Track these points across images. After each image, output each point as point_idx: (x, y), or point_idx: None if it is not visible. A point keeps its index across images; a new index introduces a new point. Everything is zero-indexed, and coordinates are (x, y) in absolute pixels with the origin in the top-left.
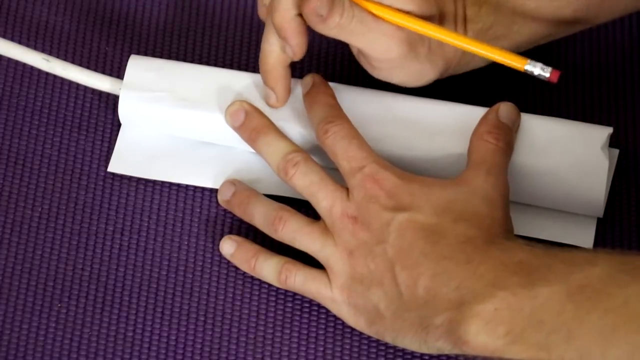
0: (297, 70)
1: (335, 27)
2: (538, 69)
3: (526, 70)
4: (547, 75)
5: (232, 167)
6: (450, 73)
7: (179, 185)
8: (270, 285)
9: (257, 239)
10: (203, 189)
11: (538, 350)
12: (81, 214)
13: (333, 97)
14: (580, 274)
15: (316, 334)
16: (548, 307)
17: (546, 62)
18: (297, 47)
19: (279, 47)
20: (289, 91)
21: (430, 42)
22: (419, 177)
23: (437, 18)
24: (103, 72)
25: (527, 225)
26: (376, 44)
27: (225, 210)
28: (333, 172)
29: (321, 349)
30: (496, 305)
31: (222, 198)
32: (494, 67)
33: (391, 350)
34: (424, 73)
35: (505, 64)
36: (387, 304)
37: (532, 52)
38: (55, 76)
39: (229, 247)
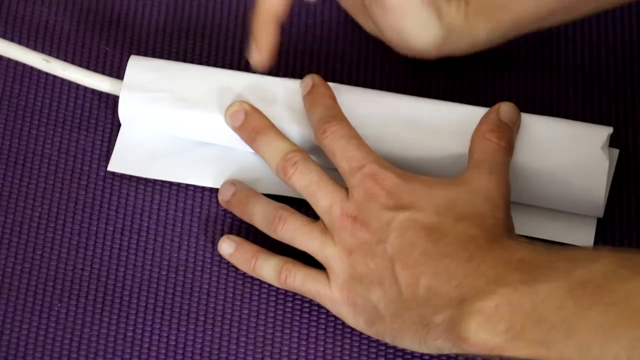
0: (297, 70)
1: None
2: None
3: None
4: None
5: (232, 167)
6: (452, 43)
7: (179, 185)
8: (270, 285)
9: (256, 240)
10: (203, 189)
11: (538, 346)
12: (81, 214)
13: (332, 98)
14: (581, 270)
15: (316, 334)
16: (549, 303)
17: (547, 62)
18: None
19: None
20: (274, 48)
21: None
22: (419, 177)
23: None
24: (103, 72)
25: (528, 225)
26: None
27: (225, 210)
28: (333, 173)
29: (321, 349)
30: (497, 302)
31: (222, 198)
32: (495, 68)
33: (391, 350)
34: (429, 24)
35: None
36: (386, 303)
37: (532, 51)
38: (55, 76)
39: (227, 247)
